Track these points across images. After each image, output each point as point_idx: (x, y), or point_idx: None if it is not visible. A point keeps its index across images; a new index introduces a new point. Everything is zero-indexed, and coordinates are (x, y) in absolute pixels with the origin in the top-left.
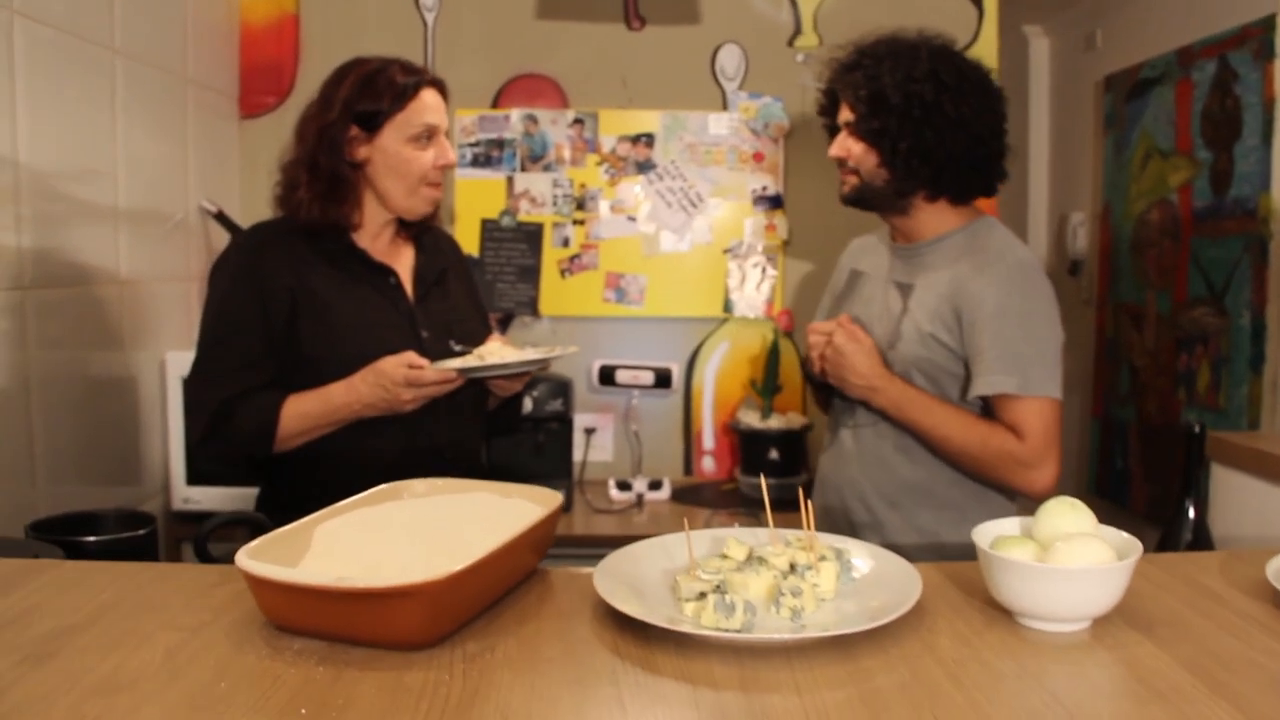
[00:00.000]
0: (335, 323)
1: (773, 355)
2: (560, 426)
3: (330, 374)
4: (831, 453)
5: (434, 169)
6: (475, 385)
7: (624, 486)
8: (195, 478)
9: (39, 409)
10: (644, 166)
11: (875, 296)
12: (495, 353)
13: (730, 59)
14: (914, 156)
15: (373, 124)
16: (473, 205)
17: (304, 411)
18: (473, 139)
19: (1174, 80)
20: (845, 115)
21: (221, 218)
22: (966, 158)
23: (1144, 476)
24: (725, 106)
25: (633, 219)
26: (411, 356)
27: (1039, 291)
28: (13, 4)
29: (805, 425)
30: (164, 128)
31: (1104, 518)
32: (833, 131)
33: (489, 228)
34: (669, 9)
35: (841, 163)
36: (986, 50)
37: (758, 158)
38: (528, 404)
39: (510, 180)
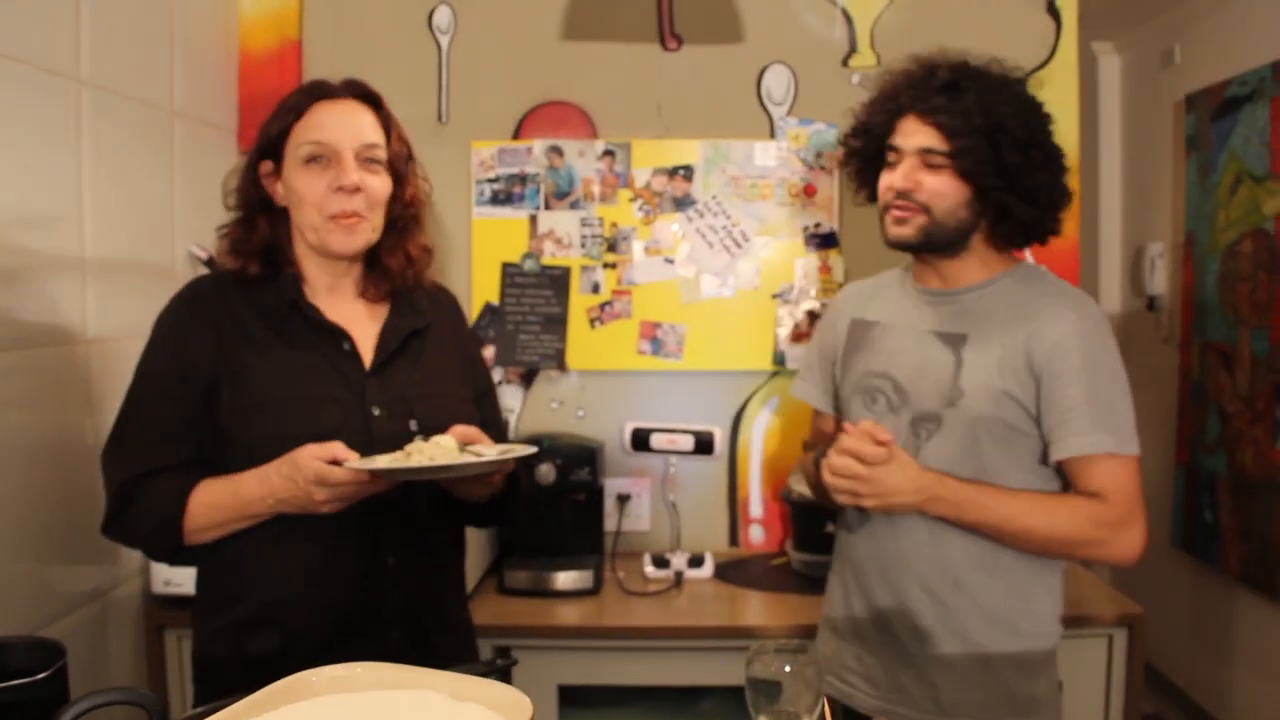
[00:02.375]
0: (257, 396)
1: None
2: (588, 498)
3: (260, 455)
4: (866, 532)
5: (330, 194)
6: (438, 490)
7: (661, 563)
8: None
9: None
10: (682, 203)
11: (906, 349)
12: (428, 450)
13: (778, 81)
14: (1011, 197)
15: (275, 153)
16: (492, 247)
17: (214, 502)
18: (491, 174)
19: (1267, 97)
20: (921, 140)
21: (213, 265)
22: (1052, 201)
23: (1237, 533)
24: (772, 134)
25: (670, 261)
26: (336, 448)
27: (1113, 340)
28: None
29: None
30: (144, 166)
31: (1192, 576)
32: (868, 158)
33: (510, 272)
34: (708, 27)
35: (903, 196)
36: (1064, 69)
37: (809, 191)
38: (548, 474)
39: (533, 219)
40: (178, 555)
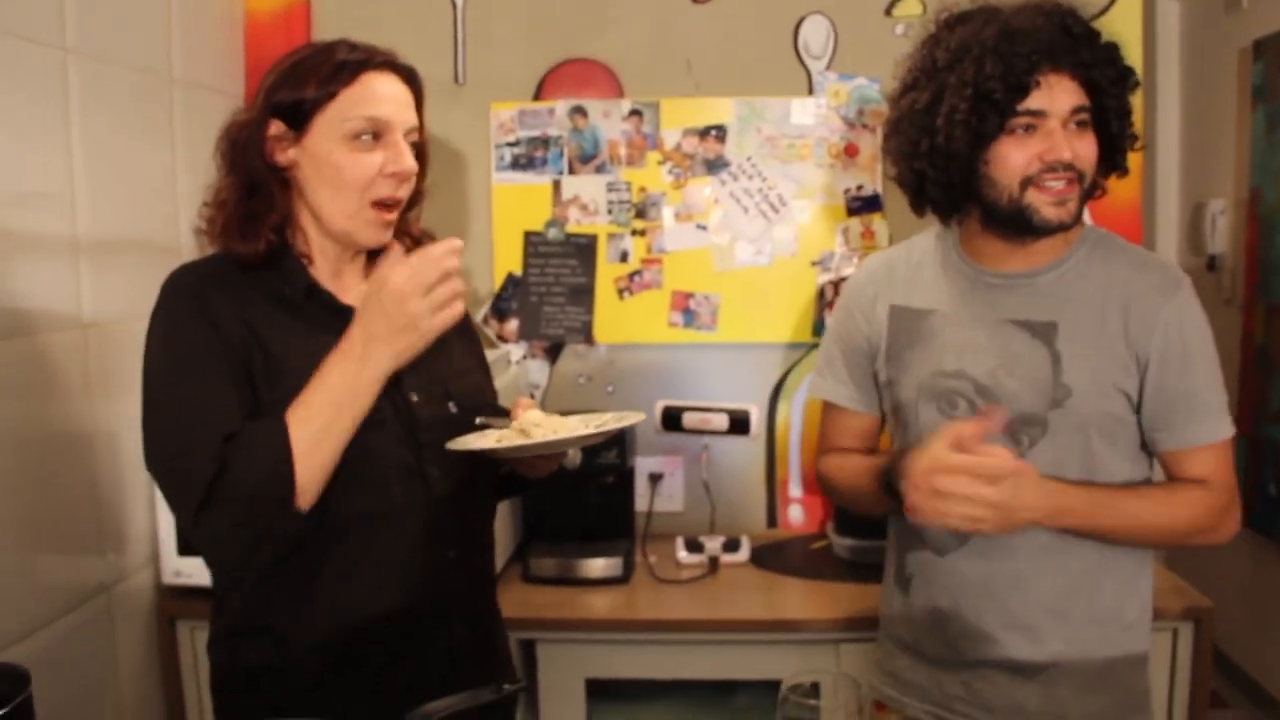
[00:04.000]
0: (294, 386)
1: None
2: (618, 479)
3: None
4: (969, 553)
5: (381, 178)
6: (486, 476)
7: (695, 547)
8: (188, 547)
9: None
10: (715, 165)
11: (979, 343)
12: (545, 424)
13: (816, 33)
14: (1123, 155)
15: (298, 117)
16: (513, 215)
17: (310, 413)
18: (511, 137)
19: None
20: (1073, 99)
21: None
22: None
23: None
24: (811, 91)
25: (703, 227)
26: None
27: (1204, 313)
28: None
29: None
30: (142, 138)
31: (1254, 553)
32: (983, 135)
33: (533, 241)
34: None
35: (1059, 167)
36: (1128, 15)
37: (850, 151)
38: (575, 455)
39: (557, 185)
40: (288, 521)
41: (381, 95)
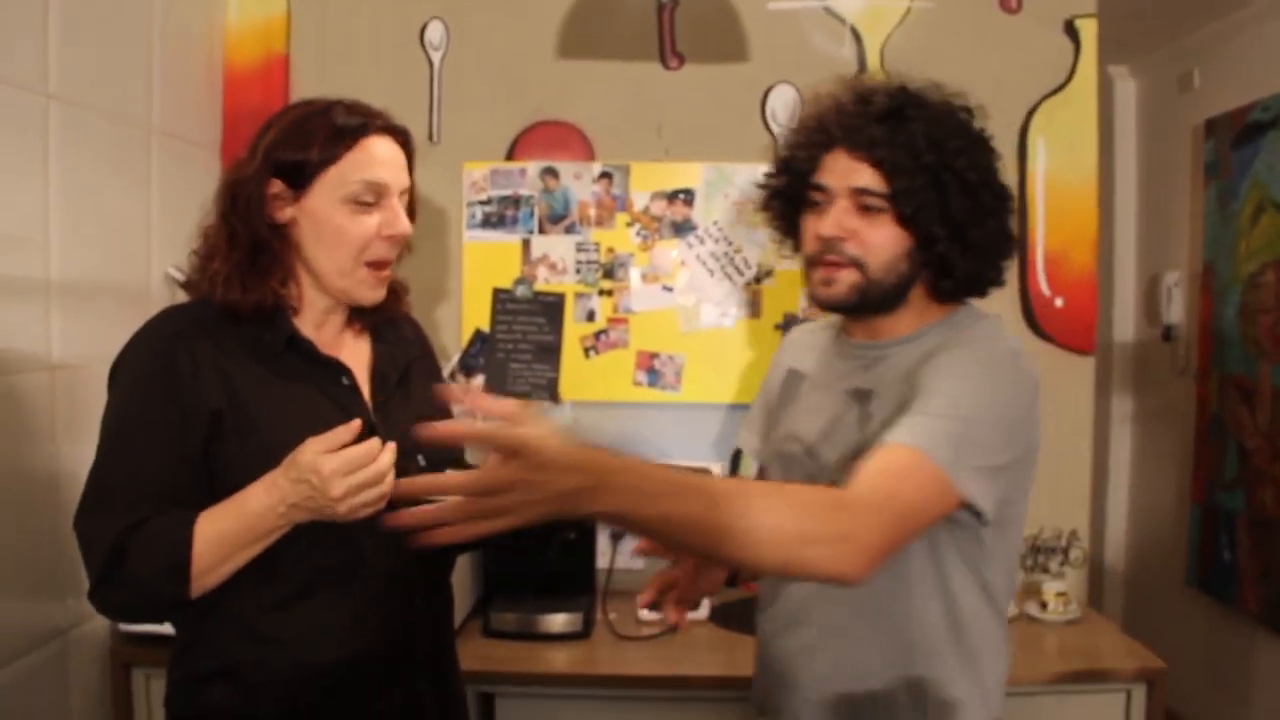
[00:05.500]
0: (268, 443)
1: None
2: (579, 535)
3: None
4: (766, 617)
5: (379, 240)
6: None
7: (655, 604)
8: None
9: None
10: (682, 228)
11: (825, 407)
12: None
13: (783, 102)
14: (957, 248)
15: (299, 178)
16: (483, 272)
17: (220, 531)
18: (483, 196)
19: None
20: (855, 179)
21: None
22: (1000, 250)
23: (1258, 574)
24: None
25: (669, 289)
26: (339, 434)
27: (1010, 387)
28: None
29: None
30: (118, 185)
31: (1209, 616)
32: (790, 199)
33: (501, 299)
34: (711, 45)
35: (830, 247)
36: (1083, 92)
37: None
38: None
39: (526, 243)
40: (181, 608)
41: (380, 159)
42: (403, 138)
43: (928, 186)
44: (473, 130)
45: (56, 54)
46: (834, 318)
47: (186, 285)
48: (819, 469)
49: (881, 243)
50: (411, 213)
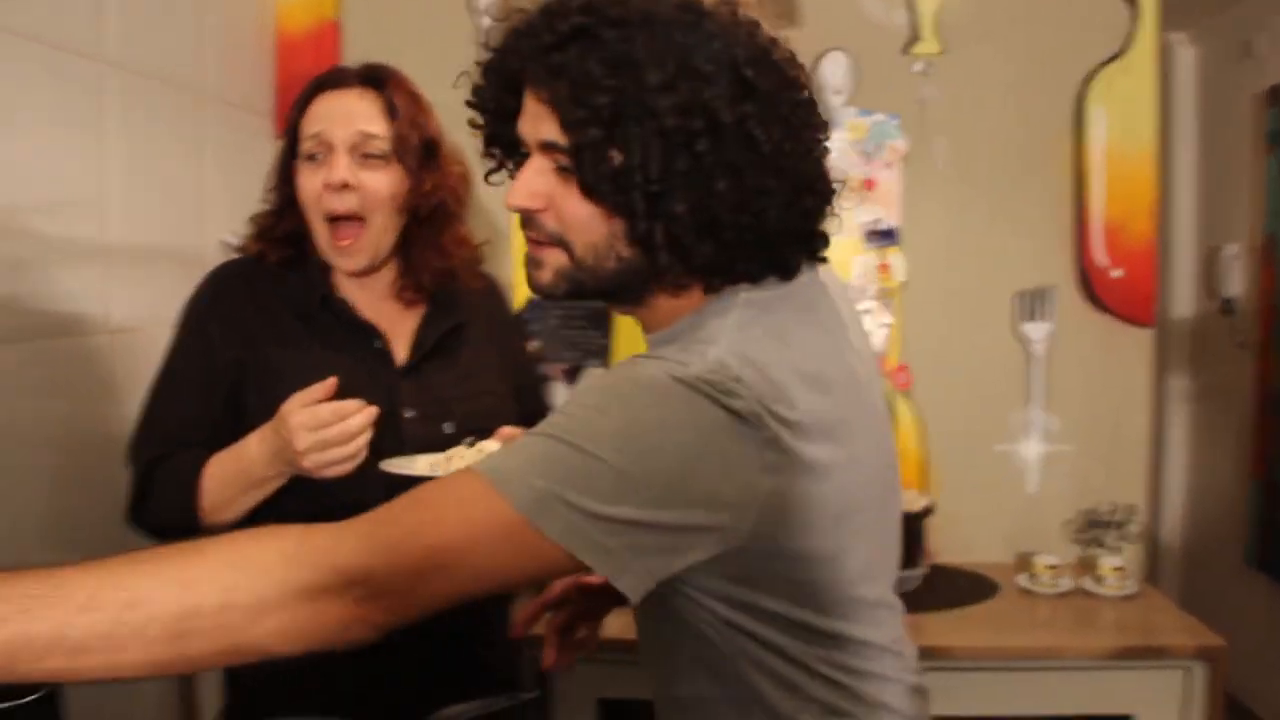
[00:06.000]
0: (282, 395)
1: None
2: None
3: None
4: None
5: (326, 192)
6: None
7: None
8: None
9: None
10: None
11: None
12: (470, 457)
13: (836, 69)
14: (690, 227)
15: (294, 147)
16: None
17: (221, 472)
18: None
19: None
20: (542, 130)
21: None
22: (778, 219)
23: None
24: (830, 126)
25: None
26: (318, 390)
27: (636, 406)
28: None
29: (926, 508)
30: (173, 151)
31: (1269, 596)
32: (504, 147)
33: None
34: (763, 11)
35: (528, 219)
36: (1142, 60)
37: (869, 185)
38: None
39: None
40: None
41: (323, 114)
42: (382, 86)
43: (604, 139)
44: None
45: (114, 20)
46: None
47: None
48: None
49: (581, 218)
50: (408, 158)
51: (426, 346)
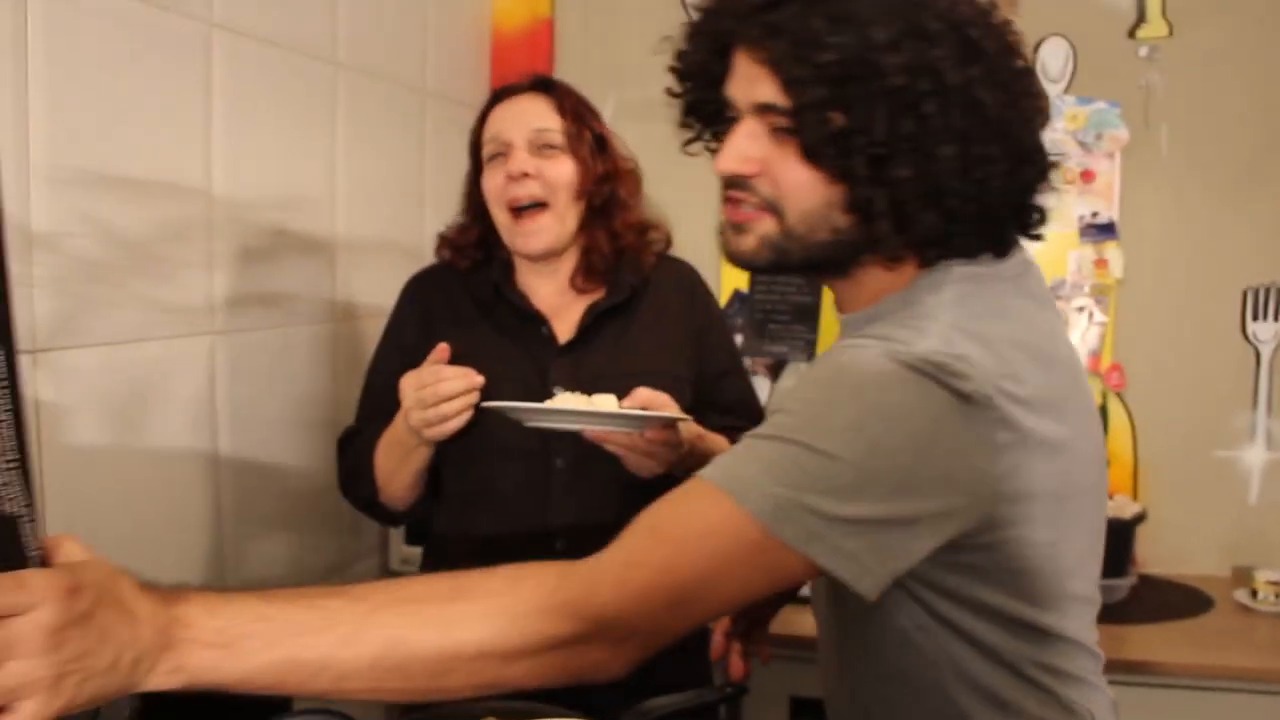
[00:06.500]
0: None
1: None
2: None
3: (445, 443)
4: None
5: (508, 183)
6: (620, 475)
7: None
8: (414, 536)
9: (228, 460)
10: None
11: None
12: (573, 402)
13: (1055, 56)
14: (913, 194)
15: (477, 160)
16: None
17: (387, 443)
18: None
19: None
20: (757, 91)
21: None
22: (999, 189)
23: None
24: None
25: None
26: (434, 355)
27: (864, 396)
28: (211, 16)
29: (1137, 515)
30: (396, 148)
31: None
32: (707, 118)
33: None
34: None
35: (737, 183)
36: None
37: (1087, 176)
38: None
39: None
40: (378, 510)
41: (499, 117)
42: (548, 89)
43: (827, 100)
44: None
45: (344, 23)
46: None
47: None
48: None
49: (797, 183)
50: (580, 147)
51: (585, 325)
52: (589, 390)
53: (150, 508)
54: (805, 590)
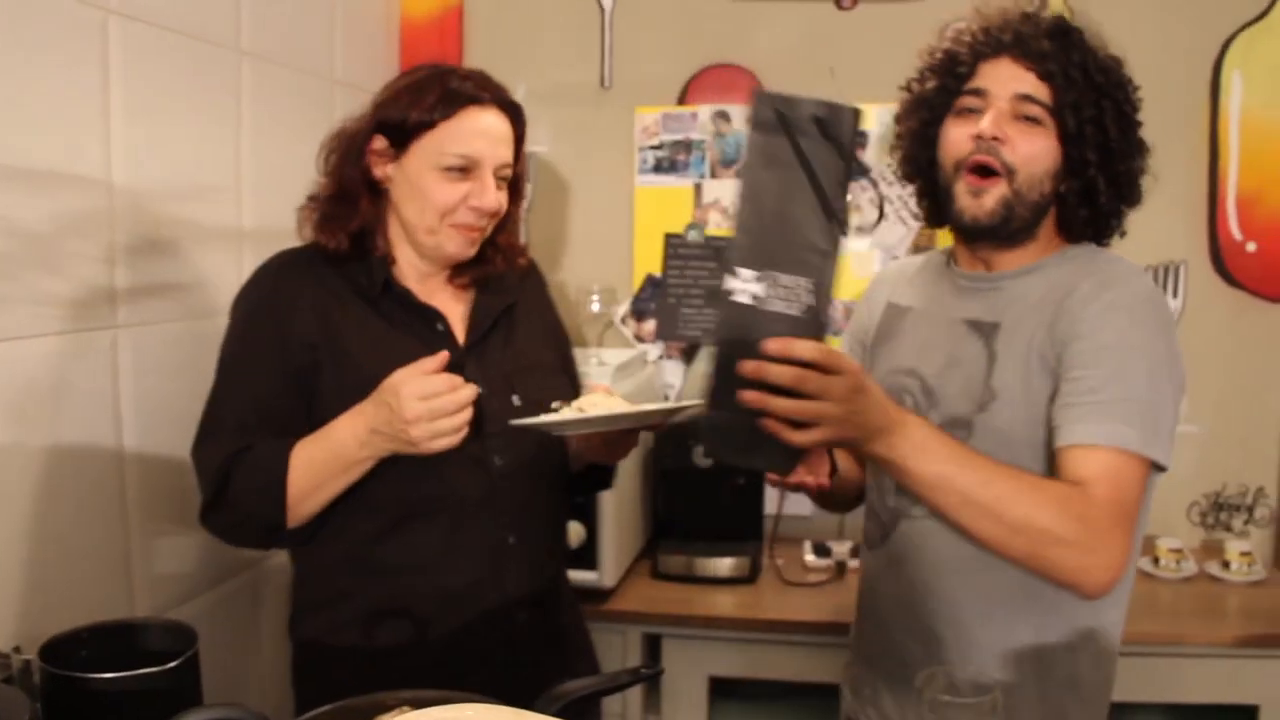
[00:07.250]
0: (363, 376)
1: None
2: (749, 481)
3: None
4: (875, 554)
5: (465, 208)
6: (550, 465)
7: (822, 551)
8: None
9: (134, 456)
10: (854, 172)
11: (935, 341)
12: (601, 405)
13: None
14: (1102, 177)
15: (400, 137)
16: (654, 217)
17: (310, 458)
18: (655, 141)
19: None
20: (1019, 84)
21: None
22: (1133, 196)
23: None
24: None
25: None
26: (425, 363)
27: (1161, 325)
28: (108, 2)
29: None
30: (303, 136)
31: None
32: (934, 107)
33: (673, 243)
34: None
35: (984, 148)
36: None
37: None
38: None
39: (698, 188)
40: (280, 535)
41: (478, 131)
42: (513, 114)
43: (1091, 105)
44: (644, 75)
45: (248, 11)
46: (930, 253)
47: (298, 227)
48: (934, 405)
49: (1035, 153)
50: (517, 185)
51: (484, 326)
52: (501, 388)
53: (52, 505)
54: (808, 510)
